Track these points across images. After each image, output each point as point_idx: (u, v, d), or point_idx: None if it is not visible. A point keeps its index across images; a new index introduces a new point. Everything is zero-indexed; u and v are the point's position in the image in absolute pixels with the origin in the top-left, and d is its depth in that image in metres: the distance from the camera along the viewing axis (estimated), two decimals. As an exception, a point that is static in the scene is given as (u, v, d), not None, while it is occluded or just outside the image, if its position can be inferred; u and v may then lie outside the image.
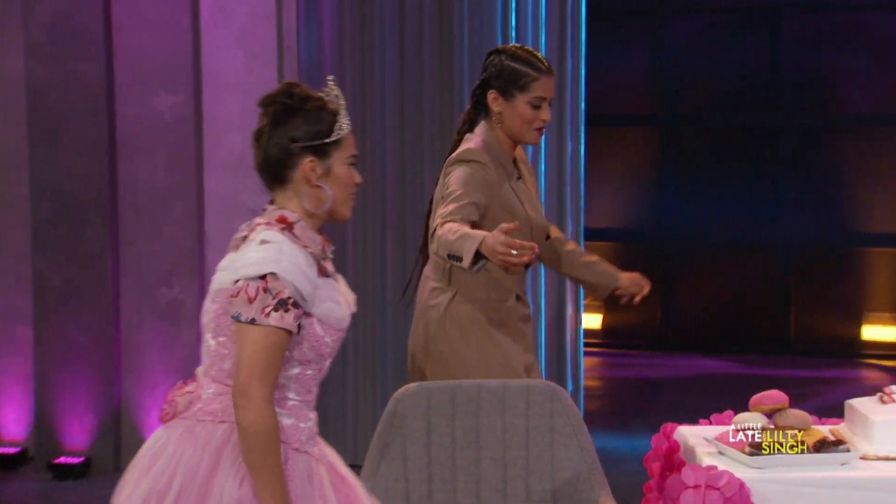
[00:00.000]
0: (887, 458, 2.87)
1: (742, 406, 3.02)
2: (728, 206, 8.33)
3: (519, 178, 3.65)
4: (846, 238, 8.15)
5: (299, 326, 2.53)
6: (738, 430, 2.91)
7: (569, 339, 6.37)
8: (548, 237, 3.82)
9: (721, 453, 2.94)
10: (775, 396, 2.97)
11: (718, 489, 2.75)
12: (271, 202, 2.64)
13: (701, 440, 3.04)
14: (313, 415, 2.70)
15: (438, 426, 3.23)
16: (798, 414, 2.95)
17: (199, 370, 2.66)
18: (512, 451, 3.22)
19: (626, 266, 9.68)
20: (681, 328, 8.45)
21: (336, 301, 2.62)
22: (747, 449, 2.86)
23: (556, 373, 6.32)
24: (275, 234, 2.54)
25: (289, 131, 2.59)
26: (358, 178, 2.67)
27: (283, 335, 2.49)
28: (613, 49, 8.36)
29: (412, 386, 3.28)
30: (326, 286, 2.61)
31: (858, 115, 8.06)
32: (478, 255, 3.15)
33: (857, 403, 3.08)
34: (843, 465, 2.83)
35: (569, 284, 6.36)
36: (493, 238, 3.10)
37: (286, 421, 2.59)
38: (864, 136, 8.05)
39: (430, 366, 3.62)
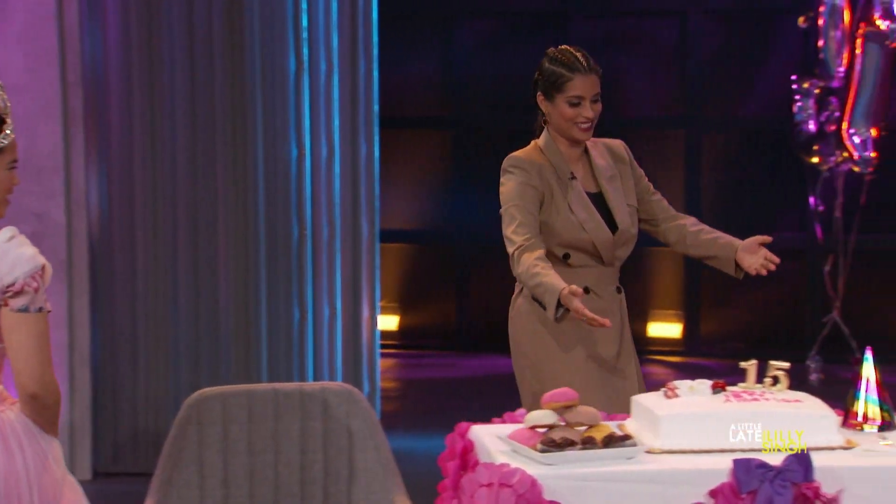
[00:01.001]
0: (671, 452, 2.96)
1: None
2: (520, 208, 8.48)
3: (572, 177, 3.71)
4: (633, 238, 8.38)
5: None
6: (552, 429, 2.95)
7: (365, 340, 6.38)
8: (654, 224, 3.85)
9: (514, 451, 2.99)
10: (566, 394, 3.03)
11: (511, 486, 2.79)
12: None
13: (494, 438, 3.08)
14: None
15: (234, 431, 3.19)
16: (588, 410, 3.01)
17: None
18: (309, 454, 3.21)
19: (420, 267, 9.74)
20: (476, 328, 8.56)
21: None
22: (539, 446, 2.92)
23: (353, 375, 6.32)
24: (14, 228, 2.74)
25: None
26: (16, 181, 2.82)
27: None
28: (405, 51, 8.41)
29: (206, 391, 3.24)
30: None
31: (640, 118, 8.31)
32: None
33: (643, 399, 3.16)
34: (629, 459, 2.91)
35: (365, 286, 6.38)
36: (567, 300, 3.39)
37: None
38: (648, 138, 8.31)
39: (513, 360, 3.76)
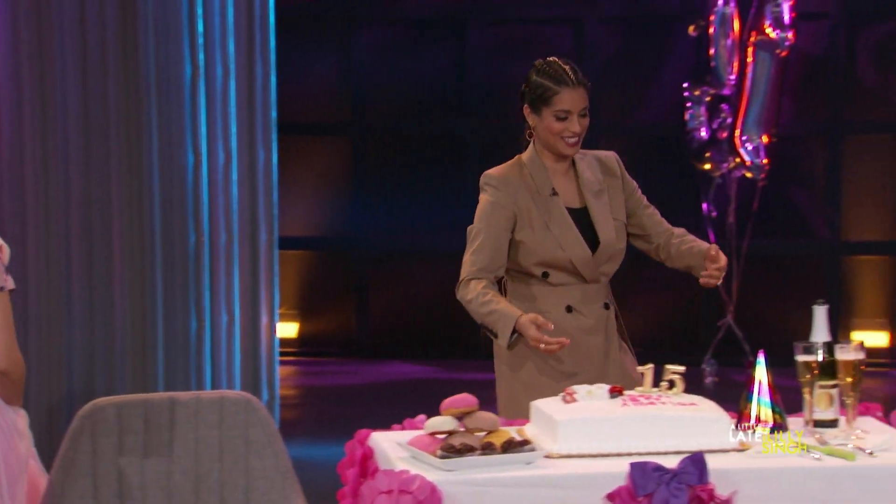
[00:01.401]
0: (570, 456, 2.99)
1: (436, 410, 3.08)
2: (419, 213, 8.49)
3: (554, 193, 3.62)
4: (531, 243, 8.44)
5: None
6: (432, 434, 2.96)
7: (263, 348, 6.34)
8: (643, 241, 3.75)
9: (414, 457, 2.99)
10: (465, 400, 3.04)
11: (411, 493, 2.79)
12: None
13: (394, 445, 3.08)
14: None
15: (129, 441, 3.16)
16: (487, 416, 3.02)
17: None
18: (205, 463, 3.18)
19: (320, 274, 9.68)
20: (376, 335, 8.54)
21: None
22: (438, 452, 2.92)
23: (251, 383, 6.27)
24: None
25: None
26: None
27: None
28: (303, 57, 8.38)
29: (100, 401, 3.20)
30: None
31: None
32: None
33: (542, 404, 3.18)
34: (528, 464, 2.93)
35: (263, 293, 6.33)
36: (524, 327, 3.42)
37: None
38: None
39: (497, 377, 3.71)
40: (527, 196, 3.64)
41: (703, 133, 7.57)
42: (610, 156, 3.80)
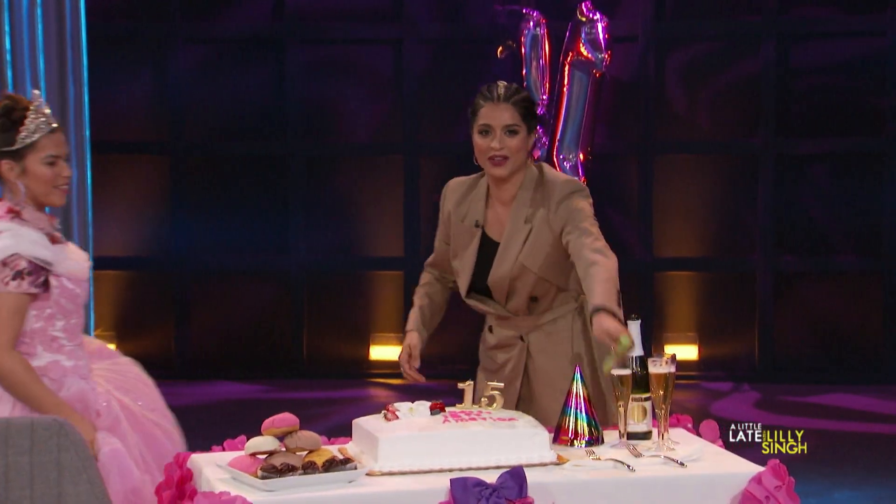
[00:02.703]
0: (391, 473, 3.00)
1: (257, 430, 3.06)
2: (240, 233, 8.41)
3: (477, 225, 3.55)
4: (354, 262, 8.45)
5: (47, 286, 3.32)
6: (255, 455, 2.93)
7: (78, 371, 6.18)
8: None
9: (234, 479, 2.96)
10: (286, 419, 3.03)
11: (231, 515, 2.77)
12: None
13: (214, 467, 3.05)
14: (83, 357, 3.50)
15: (-66, 471, 3.04)
16: (308, 435, 3.02)
17: None
18: (15, 490, 3.08)
19: (137, 294, 9.45)
20: (196, 355, 8.43)
21: (73, 259, 3.42)
22: (259, 472, 2.90)
23: (66, 407, 6.11)
24: (5, 224, 3.27)
25: None
26: (66, 172, 3.38)
27: (23, 298, 3.28)
28: (118, 76, 8.23)
29: None
30: (61, 251, 3.38)
31: (359, 144, 8.40)
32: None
33: (364, 422, 3.19)
34: (350, 482, 2.93)
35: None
36: (403, 345, 3.67)
37: (66, 363, 3.42)
38: (365, 163, 8.40)
39: None
40: (455, 219, 3.64)
41: (519, 151, 7.70)
42: (560, 184, 3.57)
